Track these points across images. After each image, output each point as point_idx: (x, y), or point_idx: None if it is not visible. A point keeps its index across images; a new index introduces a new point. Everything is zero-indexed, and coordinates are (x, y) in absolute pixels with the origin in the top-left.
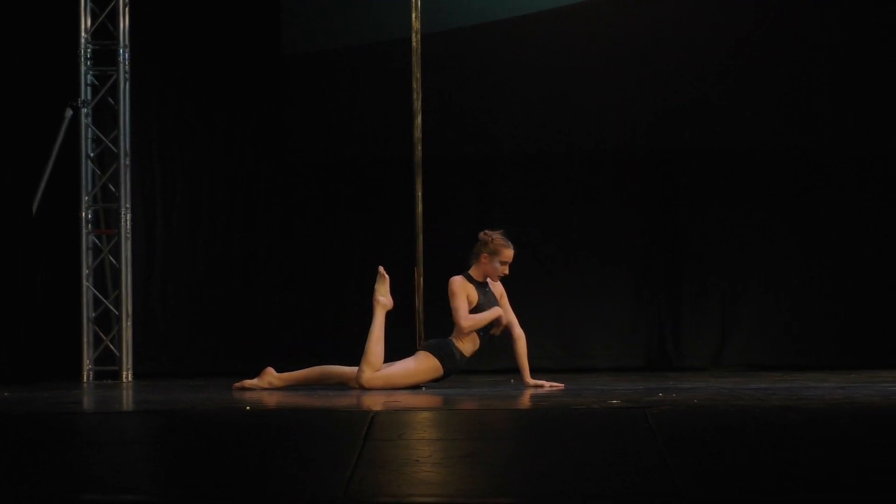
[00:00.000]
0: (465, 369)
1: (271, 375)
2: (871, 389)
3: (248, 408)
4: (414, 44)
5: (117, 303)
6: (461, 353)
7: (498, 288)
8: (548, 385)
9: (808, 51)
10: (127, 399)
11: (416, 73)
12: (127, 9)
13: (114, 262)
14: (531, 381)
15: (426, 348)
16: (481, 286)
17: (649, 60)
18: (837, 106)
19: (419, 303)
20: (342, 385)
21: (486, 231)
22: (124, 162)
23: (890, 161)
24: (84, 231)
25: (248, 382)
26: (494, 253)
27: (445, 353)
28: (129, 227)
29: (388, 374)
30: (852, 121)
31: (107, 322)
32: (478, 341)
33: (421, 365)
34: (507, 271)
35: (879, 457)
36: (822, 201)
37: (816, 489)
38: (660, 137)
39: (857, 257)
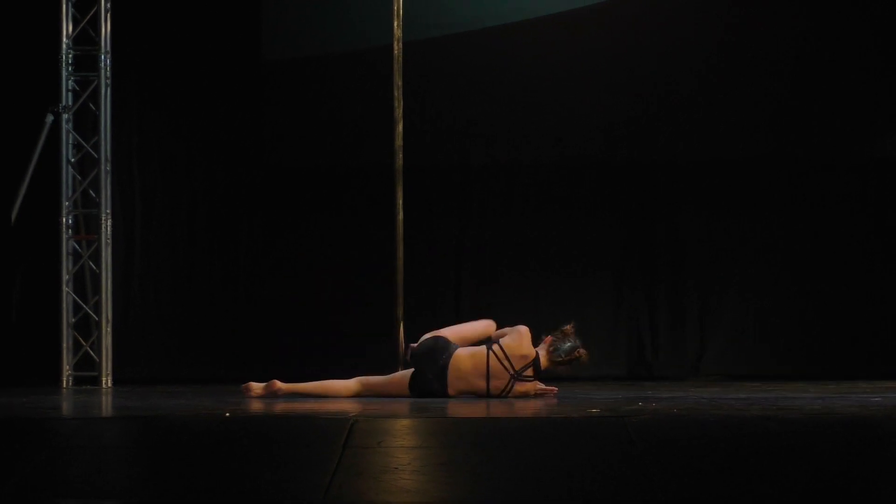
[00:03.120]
0: None
1: (277, 387)
2: (850, 400)
3: (227, 414)
4: (395, 52)
5: (97, 308)
6: None
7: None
8: (541, 386)
9: (783, 61)
10: (106, 405)
11: (398, 81)
12: (108, 15)
13: (94, 267)
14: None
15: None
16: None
17: (627, 70)
18: (814, 115)
19: (399, 312)
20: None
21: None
22: (105, 167)
23: (867, 170)
24: (64, 236)
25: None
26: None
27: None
28: (109, 232)
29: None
30: (829, 129)
31: (86, 327)
32: None
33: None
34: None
35: (858, 466)
36: (799, 210)
37: (795, 499)
38: (638, 147)
39: (835, 267)
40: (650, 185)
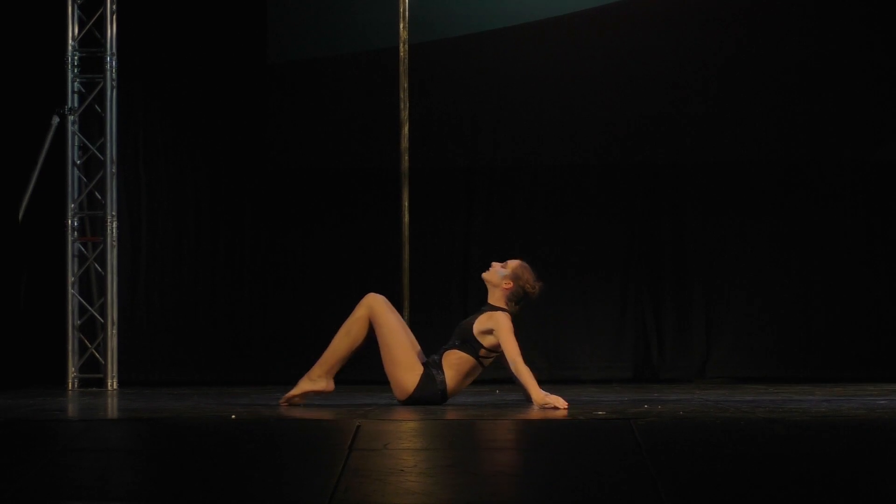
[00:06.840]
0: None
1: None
2: (856, 402)
3: (233, 416)
4: (401, 53)
5: (102, 310)
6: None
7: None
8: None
9: (788, 63)
10: (111, 407)
11: (404, 83)
12: (114, 17)
13: (99, 269)
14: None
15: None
16: None
17: (633, 72)
18: (820, 116)
19: (406, 314)
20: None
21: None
22: (110, 170)
23: (873, 171)
24: (70, 238)
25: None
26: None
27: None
28: (114, 234)
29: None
30: (834, 131)
31: (92, 330)
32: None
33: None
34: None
35: (865, 469)
36: (805, 212)
37: (801, 502)
38: (644, 149)
39: (841, 269)
40: (656, 186)
